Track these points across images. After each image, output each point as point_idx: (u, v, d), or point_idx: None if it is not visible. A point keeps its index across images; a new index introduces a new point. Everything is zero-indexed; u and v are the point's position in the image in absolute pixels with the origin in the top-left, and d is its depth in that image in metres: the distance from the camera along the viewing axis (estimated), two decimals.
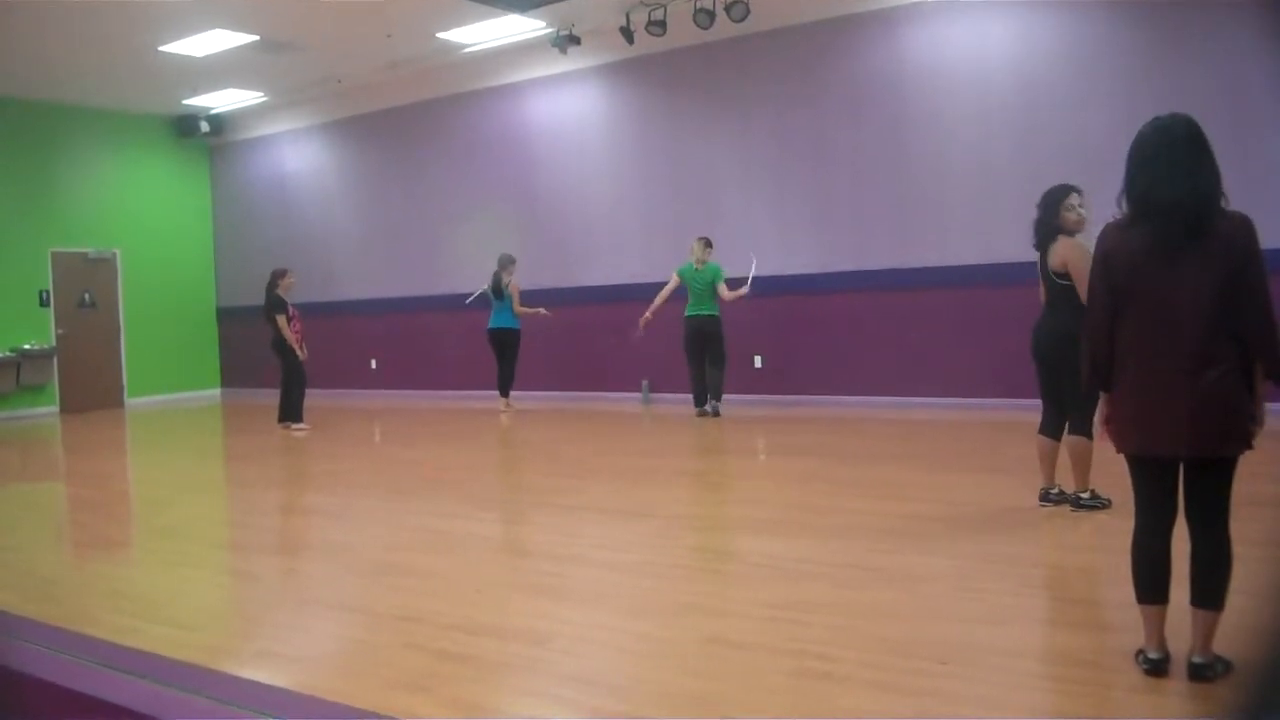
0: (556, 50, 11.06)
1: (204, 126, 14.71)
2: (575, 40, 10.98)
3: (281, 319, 10.17)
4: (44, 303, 13.71)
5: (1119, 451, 3.15)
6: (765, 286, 10.54)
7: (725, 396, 10.21)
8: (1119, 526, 4.10)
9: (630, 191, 11.59)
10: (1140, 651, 3.10)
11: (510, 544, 5.48)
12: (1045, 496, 5.29)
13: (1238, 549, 3.00)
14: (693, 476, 7.51)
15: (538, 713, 3.10)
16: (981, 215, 9.37)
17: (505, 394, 11.23)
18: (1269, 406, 3.00)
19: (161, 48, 11.21)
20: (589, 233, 11.90)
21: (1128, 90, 8.48)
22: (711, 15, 9.86)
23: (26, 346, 13.37)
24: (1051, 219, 4.96)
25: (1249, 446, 2.94)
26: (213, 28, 10.61)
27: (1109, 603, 3.85)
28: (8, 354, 13.18)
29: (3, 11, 9.75)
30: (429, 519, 5.95)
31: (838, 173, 10.19)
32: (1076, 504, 5.14)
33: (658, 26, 10.23)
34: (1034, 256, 5.18)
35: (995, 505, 5.46)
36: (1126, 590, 3.17)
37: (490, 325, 11.16)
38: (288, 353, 10.25)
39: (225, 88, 13.39)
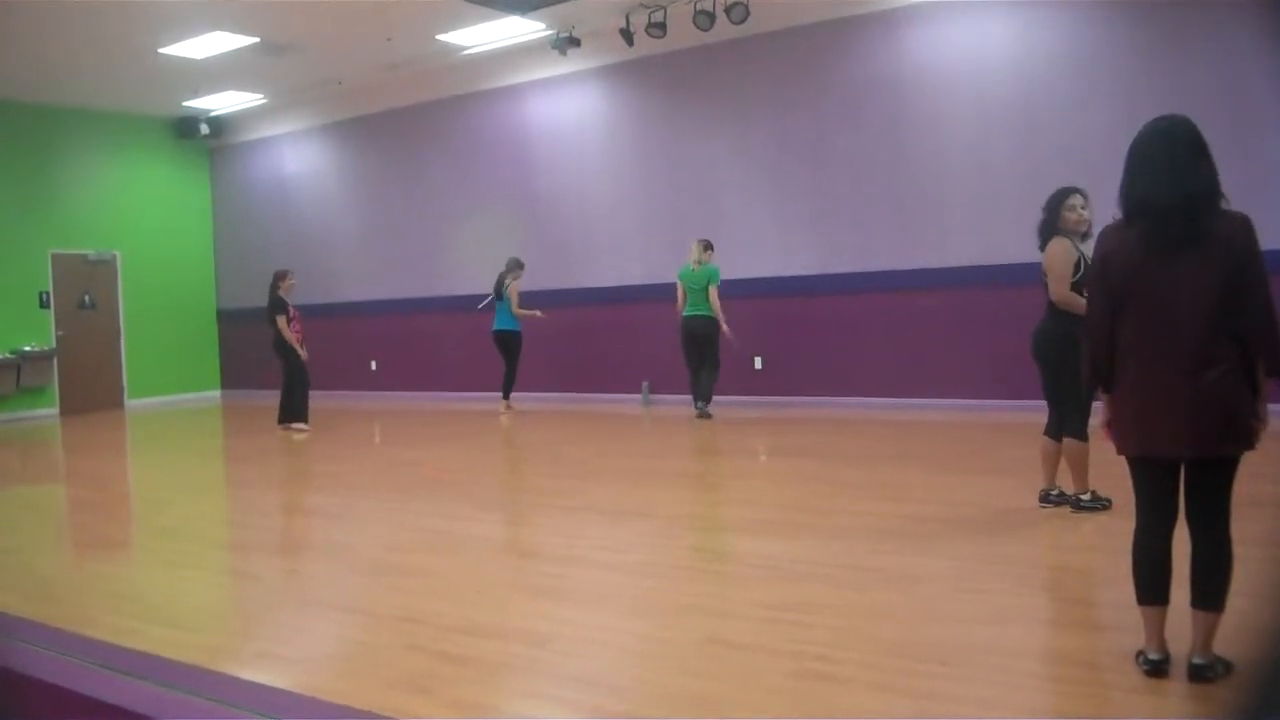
0: (556, 52, 11.07)
1: (204, 128, 14.72)
2: (575, 42, 10.99)
3: (281, 320, 10.18)
4: (44, 304, 13.72)
5: (1119, 453, 3.15)
6: (765, 288, 10.57)
7: (728, 398, 10.23)
8: (1119, 527, 4.10)
9: (630, 193, 11.59)
10: (1140, 652, 3.10)
11: (511, 545, 5.48)
12: (1045, 498, 5.29)
13: (1238, 550, 3.00)
14: (693, 477, 7.51)
15: (538, 713, 3.10)
16: (981, 216, 9.38)
17: (505, 395, 11.23)
18: (1269, 407, 3.00)
19: (162, 50, 11.22)
20: (589, 234, 11.91)
21: (1128, 90, 8.48)
22: (711, 17, 9.86)
23: (27, 348, 13.38)
24: (1053, 219, 4.98)
25: (1250, 447, 2.94)
26: (213, 30, 10.62)
27: (1109, 603, 3.84)
28: (8, 356, 13.18)
29: (3, 13, 9.75)
30: (429, 520, 5.95)
31: (837, 174, 10.19)
32: (1076, 506, 5.14)
33: (658, 28, 10.23)
34: (1035, 257, 5.19)
35: (995, 506, 5.46)
36: (1127, 591, 3.17)
37: (493, 328, 11.18)
38: (289, 354, 10.25)
39: (225, 89, 13.41)
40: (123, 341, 14.55)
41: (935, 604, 3.89)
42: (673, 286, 9.95)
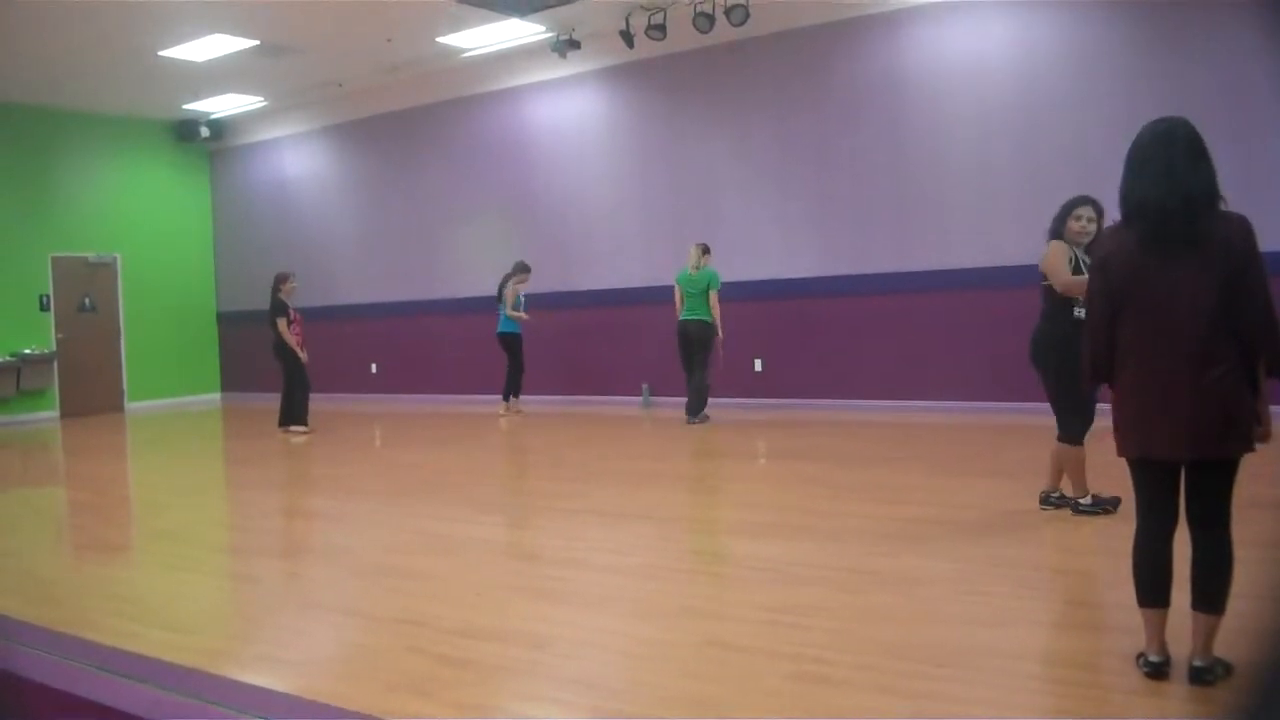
0: (556, 55, 11.07)
1: (204, 131, 14.74)
2: (575, 44, 10.99)
3: (282, 322, 10.18)
4: (44, 307, 13.73)
5: (1120, 455, 3.15)
6: (766, 290, 10.57)
7: (728, 400, 10.24)
8: (1119, 529, 4.10)
9: (630, 195, 11.60)
10: (1141, 655, 3.10)
11: (511, 547, 5.48)
12: (1045, 500, 5.29)
13: (1239, 551, 3.00)
14: (692, 480, 7.51)
15: (538, 715, 3.10)
16: (982, 217, 9.38)
17: (505, 397, 11.24)
18: (1270, 408, 3.00)
19: (162, 52, 11.23)
20: (589, 237, 11.91)
21: (1128, 90, 8.48)
22: (711, 19, 9.86)
23: (27, 351, 13.38)
24: (1059, 225, 4.98)
25: (1250, 448, 2.94)
26: (213, 32, 10.63)
27: (1109, 605, 3.84)
28: (8, 359, 13.19)
29: (3, 15, 9.76)
30: (429, 522, 5.95)
31: (838, 176, 10.19)
32: (1076, 510, 5.14)
33: (658, 31, 10.24)
34: (1035, 259, 5.20)
35: (995, 508, 5.45)
36: (1127, 593, 3.17)
37: (497, 330, 11.20)
38: (289, 357, 10.26)
39: (225, 92, 13.42)
40: (123, 344, 14.55)
41: (935, 606, 3.89)
42: (672, 289, 9.93)
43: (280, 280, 10.39)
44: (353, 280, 14.12)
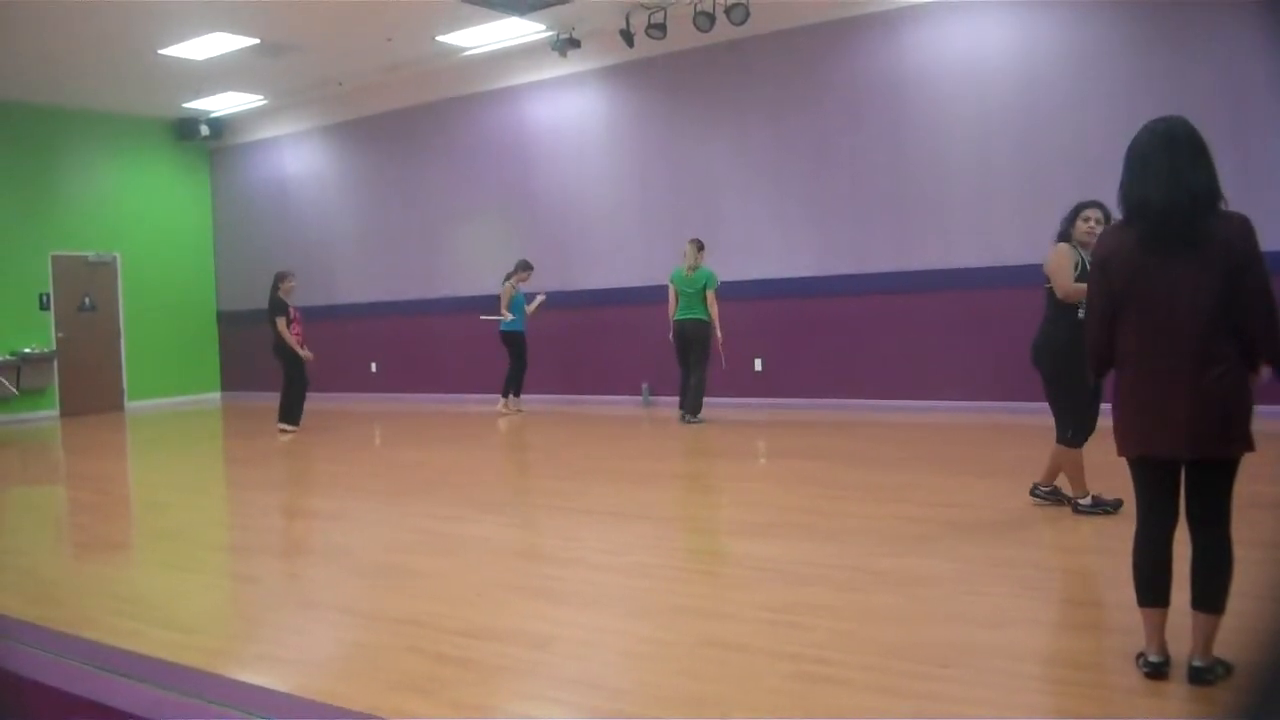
0: (556, 53, 11.07)
1: (204, 130, 14.73)
2: (575, 43, 10.99)
3: (281, 321, 10.18)
4: (44, 306, 13.73)
5: (1120, 454, 3.15)
6: (765, 289, 10.57)
7: (727, 400, 10.24)
8: (1119, 529, 4.10)
9: (630, 194, 11.60)
10: (1141, 654, 3.10)
11: (511, 547, 5.47)
12: (1033, 491, 5.34)
13: (1239, 551, 3.00)
14: (692, 479, 7.51)
15: (538, 715, 3.10)
16: (982, 217, 9.38)
17: (504, 394, 11.24)
18: (1267, 409, 3.00)
19: (162, 51, 11.22)
20: (589, 235, 11.91)
21: (1128, 90, 8.48)
22: (711, 18, 9.86)
23: (27, 350, 13.38)
24: (1068, 227, 4.99)
25: (1250, 448, 2.94)
26: (213, 31, 10.63)
27: (1109, 605, 3.84)
28: (8, 357, 13.19)
29: (3, 14, 9.75)
30: (429, 522, 5.95)
31: (838, 175, 10.19)
32: (1076, 510, 5.14)
33: (658, 29, 10.23)
34: (1035, 258, 5.22)
35: (996, 508, 5.46)
36: (1127, 593, 3.17)
37: (499, 328, 11.21)
38: (288, 356, 10.26)
39: (225, 91, 13.41)
40: (123, 343, 14.55)
41: (936, 606, 3.89)
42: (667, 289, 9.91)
43: (279, 279, 10.38)
44: (353, 279, 14.12)
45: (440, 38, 11.19)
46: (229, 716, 3.07)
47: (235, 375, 15.57)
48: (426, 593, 4.40)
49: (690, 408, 9.64)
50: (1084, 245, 4.89)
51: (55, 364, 13.69)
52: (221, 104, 14.17)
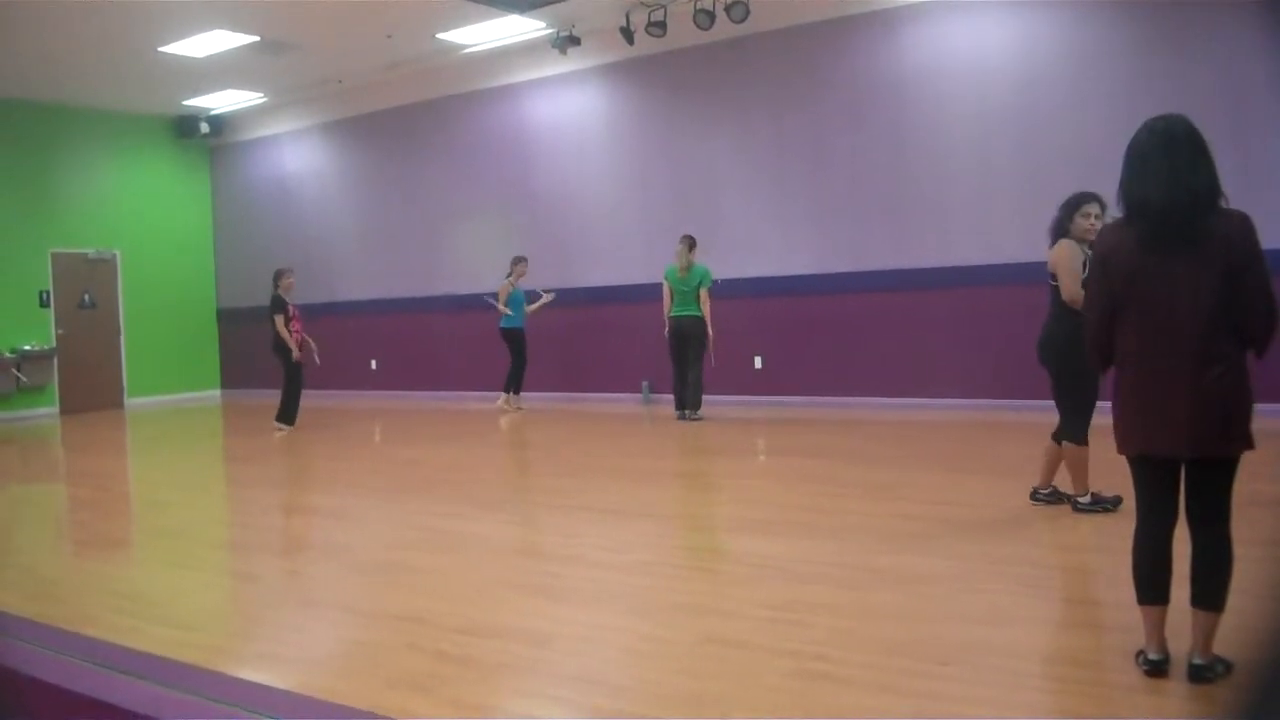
0: (556, 51, 11.07)
1: (204, 127, 14.73)
2: (575, 41, 10.99)
3: (279, 319, 10.19)
4: (44, 303, 13.73)
5: (1120, 452, 3.15)
6: (765, 287, 10.57)
7: (727, 397, 10.23)
8: (1119, 527, 4.10)
9: (630, 192, 11.59)
10: (1140, 652, 3.10)
11: (511, 544, 5.48)
12: (1034, 495, 5.32)
13: (1238, 549, 3.00)
14: (693, 477, 7.51)
15: (538, 713, 3.10)
16: (981, 215, 9.38)
17: (507, 390, 11.24)
18: (1267, 408, 3.00)
19: (162, 48, 11.22)
20: (589, 233, 11.91)
21: (1128, 90, 8.47)
22: (711, 16, 9.86)
23: (26, 347, 13.38)
24: (1066, 222, 4.97)
25: (1250, 446, 2.94)
26: (213, 28, 10.62)
27: (1109, 603, 3.84)
28: (8, 355, 13.18)
29: (3, 13, 9.75)
30: (429, 519, 5.95)
31: (838, 173, 10.19)
32: (1075, 508, 5.14)
33: (658, 27, 10.23)
34: (1036, 256, 5.20)
35: (996, 506, 5.46)
36: (1127, 591, 3.17)
37: (500, 325, 11.21)
38: (286, 353, 10.26)
39: (225, 88, 13.41)
40: (123, 341, 14.55)
41: (935, 604, 3.89)
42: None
43: (278, 276, 10.39)
44: (353, 276, 14.12)
45: (440, 35, 11.18)
46: (229, 714, 3.07)
47: (235, 372, 15.57)
48: (426, 590, 4.40)
49: (691, 404, 9.65)
50: (1082, 241, 4.88)
51: (55, 361, 13.69)
52: (221, 101, 14.16)
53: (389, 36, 11.16)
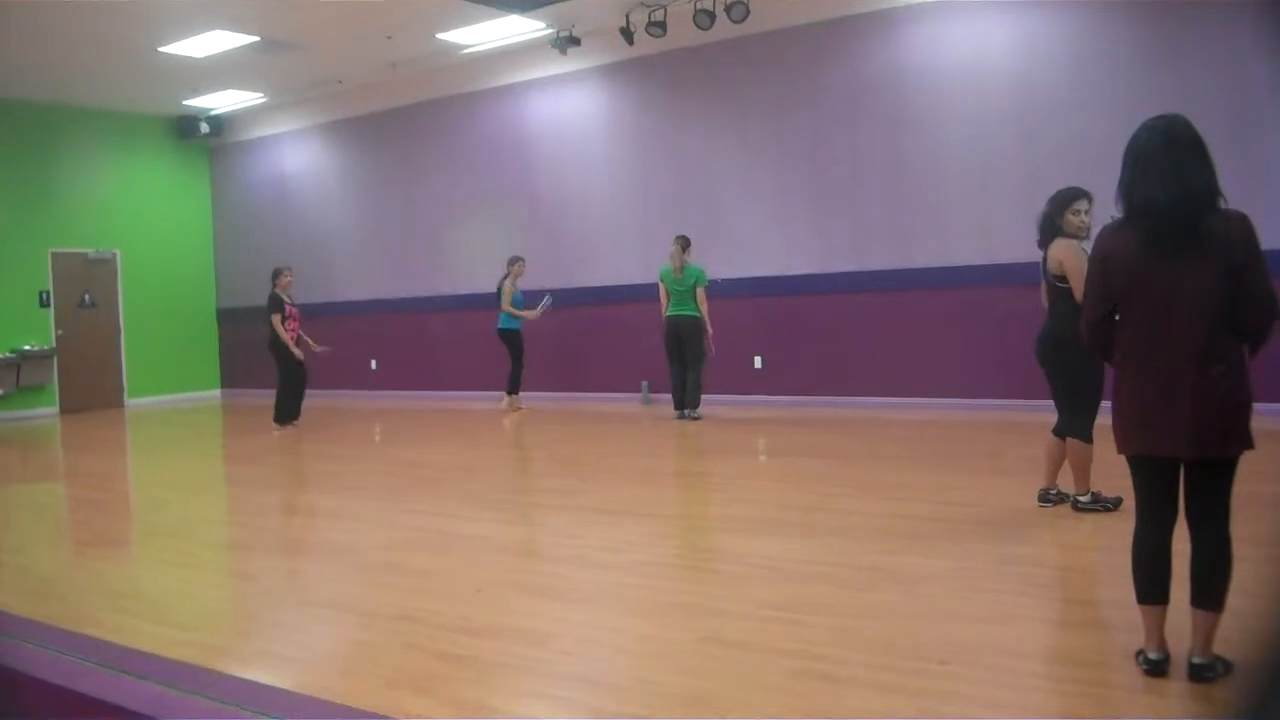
0: (556, 51, 11.07)
1: (204, 127, 14.73)
2: (575, 41, 10.99)
3: (276, 318, 10.20)
4: (44, 303, 13.73)
5: (1120, 452, 3.15)
6: (765, 287, 10.57)
7: (727, 397, 10.22)
8: (1119, 526, 4.10)
9: (630, 192, 11.59)
10: (1140, 652, 3.10)
11: (510, 544, 5.48)
12: (1044, 497, 5.29)
13: (1238, 549, 3.00)
14: (693, 477, 7.51)
15: (538, 713, 3.10)
16: (981, 215, 9.38)
17: (509, 392, 11.24)
18: (1267, 408, 3.00)
19: (162, 48, 11.22)
20: (589, 233, 11.91)
21: (1127, 91, 8.48)
22: (711, 16, 9.86)
23: (26, 347, 13.38)
24: (1056, 218, 4.95)
25: (1250, 446, 2.94)
26: (213, 28, 10.62)
27: (1109, 603, 3.84)
28: (8, 355, 13.18)
29: (3, 13, 9.75)
30: (429, 519, 5.95)
31: (837, 173, 10.19)
32: (1076, 506, 5.14)
33: (658, 27, 10.23)
34: (1035, 256, 5.17)
35: (996, 506, 5.46)
36: (1127, 590, 3.17)
37: (497, 326, 11.18)
38: (282, 352, 10.27)
39: (225, 88, 13.41)
40: (122, 340, 14.55)
41: (936, 604, 3.89)
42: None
43: (276, 274, 10.40)
44: (353, 276, 14.12)
45: (440, 35, 11.18)
46: (228, 713, 3.07)
47: (235, 372, 15.57)
48: (426, 590, 4.40)
49: (690, 403, 9.65)
50: (1075, 238, 4.88)
51: (55, 361, 13.69)
52: (221, 101, 14.16)
53: (389, 37, 11.16)
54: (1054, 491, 5.28)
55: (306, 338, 10.59)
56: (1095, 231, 3.46)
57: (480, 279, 12.18)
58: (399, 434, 10.57)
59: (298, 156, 14.82)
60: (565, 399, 11.98)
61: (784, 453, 8.12)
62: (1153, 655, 3.05)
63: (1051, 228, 4.97)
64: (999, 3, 9.34)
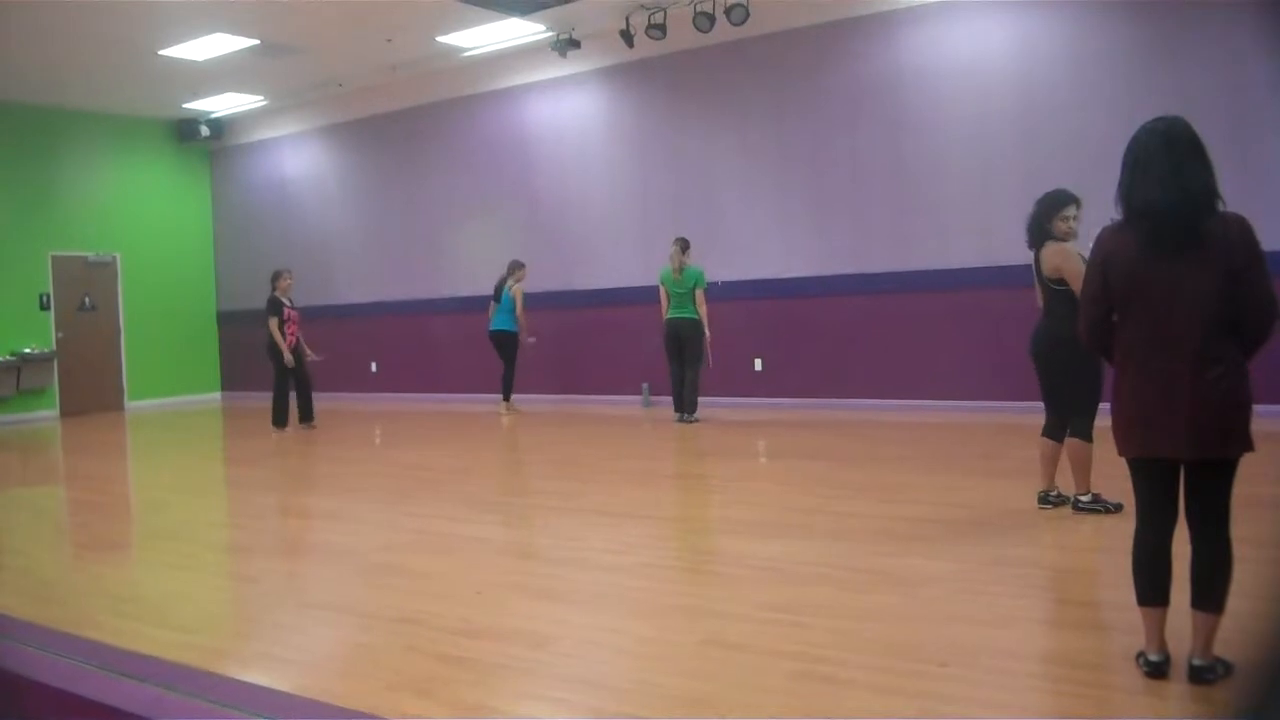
0: (556, 54, 11.08)
1: (204, 130, 14.74)
2: (575, 44, 10.99)
3: (274, 321, 10.21)
4: (44, 306, 13.73)
5: (1120, 454, 3.15)
6: (765, 289, 10.57)
7: (728, 399, 10.22)
8: (1119, 528, 4.10)
9: (630, 194, 11.60)
10: (1141, 654, 3.10)
11: (511, 546, 5.48)
12: (1044, 499, 5.29)
13: (1239, 550, 3.00)
14: (693, 479, 7.50)
15: (538, 714, 3.10)
16: (981, 217, 9.38)
17: (506, 396, 11.23)
18: (1267, 409, 3.00)
19: (162, 51, 11.23)
20: (589, 236, 11.91)
21: (1127, 91, 8.48)
22: (711, 19, 9.87)
23: (27, 350, 13.38)
24: (1045, 222, 4.97)
25: (1250, 448, 2.94)
26: (213, 31, 10.63)
27: (1109, 604, 3.84)
28: (8, 358, 13.19)
29: (3, 15, 9.76)
30: (429, 521, 5.95)
31: (837, 175, 10.19)
32: (1076, 506, 5.14)
33: (657, 30, 10.24)
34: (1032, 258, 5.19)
35: (996, 507, 5.46)
36: (1127, 592, 3.17)
37: (490, 327, 11.17)
38: (276, 355, 10.28)
39: (225, 91, 13.42)
40: (123, 343, 14.55)
41: (936, 605, 3.89)
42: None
43: (275, 277, 10.42)
44: (353, 279, 14.13)
45: (440, 38, 11.19)
46: (229, 716, 3.06)
47: (235, 375, 15.57)
48: (426, 592, 4.40)
49: (688, 407, 9.65)
50: (1065, 242, 4.91)
51: (55, 364, 13.69)
52: (222, 105, 14.17)
53: (389, 40, 11.17)
54: (1053, 493, 5.28)
55: (304, 344, 10.60)
56: (1084, 235, 3.47)
57: (481, 281, 12.19)
58: (399, 436, 10.57)
59: (298, 159, 14.82)
60: (565, 401, 11.98)
61: (784, 455, 8.12)
62: (1153, 657, 3.05)
63: (1041, 231, 4.99)
64: (999, 3, 9.35)
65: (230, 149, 15.46)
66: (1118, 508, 4.98)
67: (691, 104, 11.13)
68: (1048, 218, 4.95)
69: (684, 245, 9.64)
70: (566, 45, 10.95)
